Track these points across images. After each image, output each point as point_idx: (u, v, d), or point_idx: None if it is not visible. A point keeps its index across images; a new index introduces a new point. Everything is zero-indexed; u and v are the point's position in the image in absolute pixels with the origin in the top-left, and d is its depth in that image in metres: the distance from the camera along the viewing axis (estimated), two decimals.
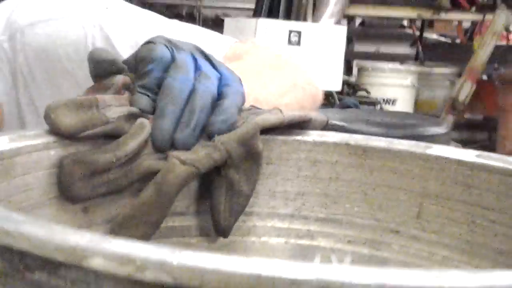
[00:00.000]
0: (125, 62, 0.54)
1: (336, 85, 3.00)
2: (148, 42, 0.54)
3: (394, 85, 3.93)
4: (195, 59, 0.54)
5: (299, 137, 0.59)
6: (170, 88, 0.51)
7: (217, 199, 0.54)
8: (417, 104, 4.04)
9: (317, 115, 0.59)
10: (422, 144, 0.56)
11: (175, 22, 0.90)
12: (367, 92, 3.69)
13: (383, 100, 3.79)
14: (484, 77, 4.24)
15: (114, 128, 0.50)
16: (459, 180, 0.53)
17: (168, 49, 0.53)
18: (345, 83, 3.41)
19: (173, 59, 0.53)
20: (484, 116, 4.33)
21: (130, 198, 0.52)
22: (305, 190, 0.60)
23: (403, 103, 3.87)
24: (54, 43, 0.83)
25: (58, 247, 0.27)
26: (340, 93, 3.16)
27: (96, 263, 0.26)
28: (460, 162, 0.53)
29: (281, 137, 0.59)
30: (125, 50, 0.81)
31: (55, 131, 0.48)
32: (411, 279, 0.25)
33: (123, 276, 0.26)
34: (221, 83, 0.54)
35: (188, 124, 0.51)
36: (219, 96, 0.53)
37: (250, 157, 0.53)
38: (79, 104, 0.48)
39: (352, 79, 3.97)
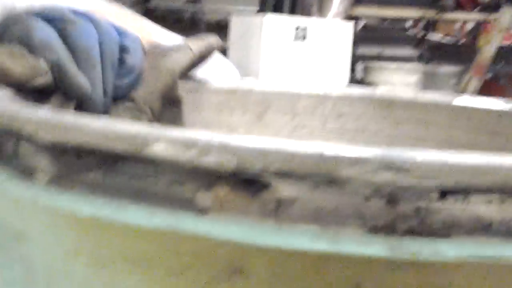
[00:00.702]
0: None
1: (342, 81, 3.00)
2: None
3: (400, 83, 3.93)
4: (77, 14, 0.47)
5: (323, 92, 0.60)
6: (82, 50, 0.45)
7: None
8: None
9: (213, 39, 0.56)
10: (449, 95, 0.57)
11: None
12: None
13: None
14: (489, 76, 4.24)
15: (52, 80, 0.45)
16: (486, 128, 0.54)
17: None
18: (350, 80, 3.41)
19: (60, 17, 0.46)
20: None
21: None
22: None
23: None
24: None
25: (119, 136, 0.28)
26: None
27: (158, 149, 0.27)
28: (487, 111, 0.54)
29: (304, 92, 0.60)
30: None
31: (6, 78, 0.43)
32: (473, 159, 0.25)
33: (184, 162, 0.27)
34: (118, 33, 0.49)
35: (107, 86, 0.47)
36: (120, 48, 0.48)
37: (172, 105, 0.52)
38: (12, 52, 0.43)
39: (357, 76, 3.97)
